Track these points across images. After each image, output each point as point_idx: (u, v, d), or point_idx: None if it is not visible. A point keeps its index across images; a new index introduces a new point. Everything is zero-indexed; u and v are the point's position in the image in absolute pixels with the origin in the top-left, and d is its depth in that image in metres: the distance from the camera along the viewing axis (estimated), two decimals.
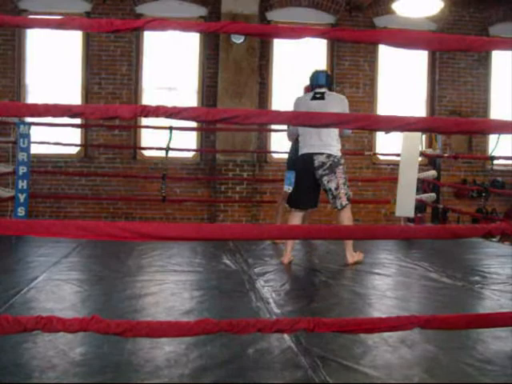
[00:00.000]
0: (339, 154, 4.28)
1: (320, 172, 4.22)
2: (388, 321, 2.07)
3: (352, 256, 4.34)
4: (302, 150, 4.32)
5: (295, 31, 2.08)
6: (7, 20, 1.91)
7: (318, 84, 4.31)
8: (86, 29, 1.98)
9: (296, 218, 4.41)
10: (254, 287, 3.43)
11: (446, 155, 7.21)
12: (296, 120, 2.19)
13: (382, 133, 7.43)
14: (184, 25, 2.03)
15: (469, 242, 5.42)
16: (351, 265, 4.29)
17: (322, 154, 4.20)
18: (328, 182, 4.22)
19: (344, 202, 4.25)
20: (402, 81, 8.52)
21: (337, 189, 4.22)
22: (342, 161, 4.29)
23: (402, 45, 2.16)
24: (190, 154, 8.13)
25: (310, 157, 4.23)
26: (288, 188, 4.72)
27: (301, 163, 4.35)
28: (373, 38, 2.27)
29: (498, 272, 4.12)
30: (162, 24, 1.97)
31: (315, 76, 4.36)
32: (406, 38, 2.14)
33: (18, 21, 2.00)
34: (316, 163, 4.22)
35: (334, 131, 4.25)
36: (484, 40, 2.30)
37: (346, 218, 4.28)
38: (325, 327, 1.97)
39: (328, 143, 4.21)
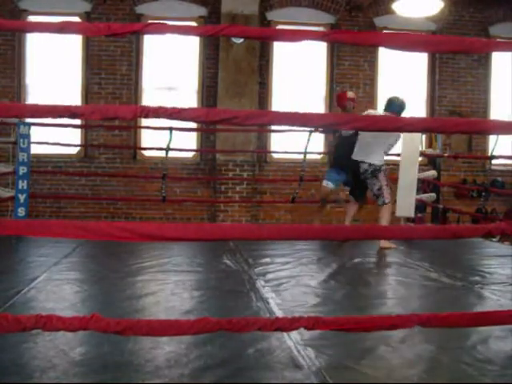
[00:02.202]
0: (380, 163, 5.16)
1: (364, 176, 5.21)
2: (388, 319, 2.07)
3: (384, 241, 4.97)
4: (355, 157, 5.24)
5: (295, 34, 2.08)
6: (6, 24, 1.92)
7: (393, 110, 5.19)
8: (84, 33, 1.98)
9: (352, 207, 5.56)
10: (254, 287, 3.43)
11: (446, 155, 7.22)
12: (294, 121, 2.19)
13: None
14: (182, 28, 2.03)
15: (469, 242, 5.41)
16: (383, 249, 4.99)
17: (364, 162, 5.16)
18: (372, 184, 5.20)
19: (387, 200, 5.17)
20: (402, 81, 8.51)
21: (379, 189, 5.16)
22: (384, 167, 5.19)
23: (401, 47, 2.16)
24: (190, 154, 8.13)
25: (356, 163, 5.22)
26: (326, 183, 5.68)
27: (351, 166, 5.32)
28: (372, 41, 2.28)
29: (498, 272, 4.12)
30: (160, 27, 1.97)
31: (396, 102, 5.25)
32: (405, 40, 2.14)
33: (17, 25, 2.01)
34: (361, 169, 5.20)
35: (381, 147, 5.14)
36: (483, 42, 2.30)
37: (384, 216, 5.18)
38: (324, 325, 1.97)
39: (370, 155, 5.13)
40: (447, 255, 4.88)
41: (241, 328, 1.90)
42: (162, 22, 2.05)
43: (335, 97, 5.95)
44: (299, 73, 8.30)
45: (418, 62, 8.56)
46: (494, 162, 7.90)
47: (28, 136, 5.62)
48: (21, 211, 5.54)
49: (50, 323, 1.81)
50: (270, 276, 3.78)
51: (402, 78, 8.51)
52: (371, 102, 8.44)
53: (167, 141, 6.09)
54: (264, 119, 2.09)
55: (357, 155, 5.23)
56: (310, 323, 1.91)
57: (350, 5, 8.27)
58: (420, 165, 6.19)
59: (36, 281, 3.45)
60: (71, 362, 2.14)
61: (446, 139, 8.28)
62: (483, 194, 6.45)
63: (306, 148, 6.49)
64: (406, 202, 5.91)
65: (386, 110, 5.28)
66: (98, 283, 3.56)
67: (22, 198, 5.55)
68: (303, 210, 7.97)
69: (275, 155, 8.12)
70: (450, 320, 2.09)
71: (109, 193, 7.83)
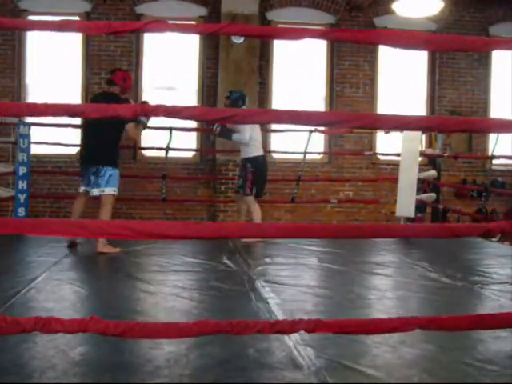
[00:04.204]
0: None
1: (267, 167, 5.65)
2: (388, 322, 2.07)
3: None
4: (262, 152, 5.54)
5: (295, 32, 2.09)
6: (6, 22, 1.92)
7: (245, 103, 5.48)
8: (84, 31, 1.99)
9: (255, 204, 5.45)
10: (254, 287, 3.43)
11: (446, 155, 7.21)
12: (295, 119, 2.19)
13: (382, 133, 7.44)
14: (182, 26, 2.03)
15: (469, 242, 5.41)
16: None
17: (264, 155, 5.62)
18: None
19: None
20: (402, 81, 8.52)
21: None
22: None
23: (402, 45, 2.16)
24: (190, 154, 8.13)
25: (263, 158, 5.57)
26: (84, 189, 4.90)
27: (263, 162, 5.55)
28: (372, 39, 2.28)
29: (498, 272, 4.12)
30: (160, 26, 1.97)
31: (245, 96, 5.47)
32: (406, 38, 2.14)
33: (17, 23, 2.00)
34: (266, 161, 5.66)
35: None
36: (484, 40, 2.30)
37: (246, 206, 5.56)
38: (325, 328, 1.97)
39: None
40: (447, 255, 4.87)
41: (240, 330, 1.90)
42: (162, 20, 2.05)
43: (120, 76, 4.79)
44: (299, 73, 8.30)
45: (418, 61, 8.55)
46: (494, 161, 7.91)
47: (28, 136, 5.63)
48: (21, 211, 5.54)
49: (49, 325, 1.81)
50: (269, 276, 3.78)
51: (402, 77, 8.51)
52: (371, 101, 8.44)
53: (167, 141, 6.09)
54: (263, 118, 2.09)
55: (262, 150, 5.54)
56: (310, 326, 1.91)
57: (350, 5, 8.26)
58: (420, 165, 6.19)
59: (36, 281, 3.45)
60: (71, 362, 2.13)
61: (445, 139, 8.27)
62: (483, 194, 6.45)
63: (306, 148, 6.49)
64: (405, 202, 5.92)
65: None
66: (97, 283, 3.55)
67: (22, 197, 5.55)
68: (303, 210, 7.98)
69: (275, 155, 8.11)
70: (450, 323, 2.09)
71: None
